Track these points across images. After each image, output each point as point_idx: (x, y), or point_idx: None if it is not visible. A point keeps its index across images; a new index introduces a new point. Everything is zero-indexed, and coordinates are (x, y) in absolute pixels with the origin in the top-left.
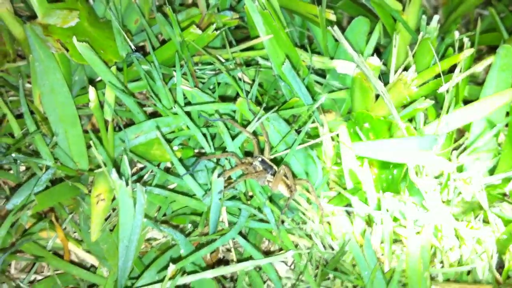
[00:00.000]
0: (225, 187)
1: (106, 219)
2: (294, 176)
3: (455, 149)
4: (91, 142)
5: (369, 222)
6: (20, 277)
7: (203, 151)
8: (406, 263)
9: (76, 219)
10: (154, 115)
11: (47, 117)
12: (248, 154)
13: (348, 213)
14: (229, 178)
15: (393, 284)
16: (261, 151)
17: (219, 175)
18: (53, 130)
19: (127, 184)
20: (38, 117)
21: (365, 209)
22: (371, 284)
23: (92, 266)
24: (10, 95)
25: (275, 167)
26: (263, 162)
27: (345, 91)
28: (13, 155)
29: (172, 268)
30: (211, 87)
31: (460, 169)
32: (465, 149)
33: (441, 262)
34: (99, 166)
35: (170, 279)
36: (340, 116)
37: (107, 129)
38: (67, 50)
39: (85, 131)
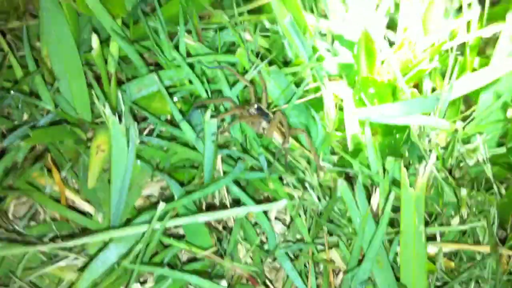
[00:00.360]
0: (219, 132)
1: (105, 171)
2: (290, 126)
3: (463, 120)
4: (94, 94)
5: (370, 188)
6: (17, 222)
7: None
8: (401, 216)
9: (76, 171)
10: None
11: (53, 68)
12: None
13: (349, 180)
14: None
15: (382, 227)
16: (259, 100)
17: (211, 117)
18: (57, 80)
19: (120, 121)
20: (45, 70)
21: (366, 172)
22: (363, 231)
23: (89, 214)
24: (19, 51)
25: (271, 114)
26: (259, 109)
27: (350, 56)
28: (12, 92)
29: (162, 206)
30: (216, 46)
31: (466, 141)
32: (472, 120)
33: (441, 225)
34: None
35: (159, 220)
36: (347, 84)
37: (110, 82)
38: (74, 1)
39: (89, 85)
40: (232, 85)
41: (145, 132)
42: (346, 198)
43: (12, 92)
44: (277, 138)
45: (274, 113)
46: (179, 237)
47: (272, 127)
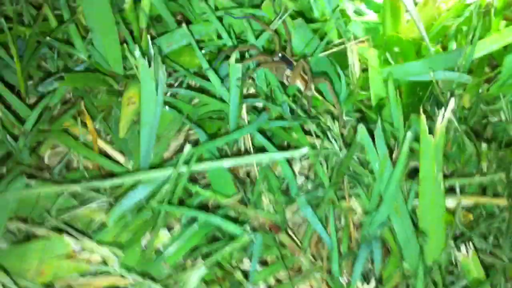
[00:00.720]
0: (244, 80)
1: (135, 123)
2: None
3: (486, 81)
4: (124, 45)
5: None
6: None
7: None
8: (419, 164)
9: (108, 123)
10: None
11: (87, 22)
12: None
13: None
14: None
15: (398, 169)
16: (283, 50)
17: (235, 61)
18: (91, 35)
19: (149, 66)
20: (79, 25)
21: (389, 128)
22: (381, 176)
23: (119, 163)
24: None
25: (294, 62)
26: (283, 57)
27: (375, 15)
28: (48, 38)
29: (187, 148)
30: (244, 3)
31: (490, 103)
32: (496, 81)
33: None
34: (133, 75)
35: (185, 163)
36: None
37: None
38: None
39: (122, 42)
40: (257, 36)
41: (175, 85)
42: (365, 142)
43: (48, 38)
44: (300, 85)
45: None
46: (205, 186)
47: (295, 74)
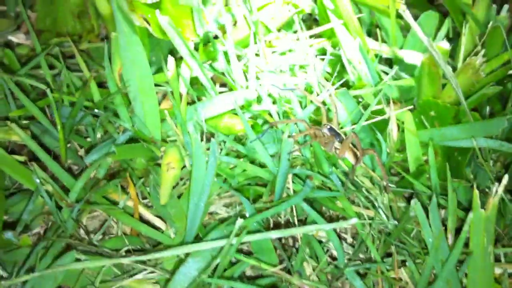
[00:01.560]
0: (293, 151)
1: (174, 187)
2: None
3: None
4: (165, 112)
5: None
6: (90, 236)
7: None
8: (470, 236)
9: (146, 187)
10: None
11: (126, 88)
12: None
13: (408, 201)
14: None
15: (457, 249)
16: (329, 121)
17: (288, 137)
18: (131, 100)
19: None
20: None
21: (428, 193)
22: (435, 251)
23: (159, 229)
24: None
25: (342, 135)
26: (331, 129)
27: (411, 79)
28: (96, 110)
29: (239, 222)
30: (280, 68)
31: None
32: None
33: (503, 246)
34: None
35: (236, 235)
36: (406, 107)
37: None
38: (149, 24)
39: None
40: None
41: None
42: (420, 217)
43: (96, 110)
44: (349, 158)
45: (344, 133)
46: (246, 253)
47: (344, 147)
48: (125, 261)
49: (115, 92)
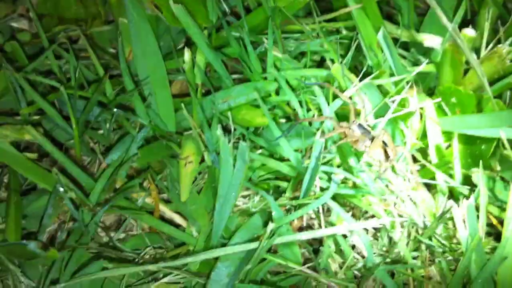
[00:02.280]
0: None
1: (192, 182)
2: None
3: None
4: (181, 105)
5: (451, 198)
6: (109, 234)
7: (284, 121)
8: (504, 235)
9: (163, 181)
10: (238, 83)
11: (138, 79)
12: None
13: (429, 189)
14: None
15: (497, 256)
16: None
17: (320, 137)
18: (145, 92)
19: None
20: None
21: (453, 184)
22: (471, 253)
23: (180, 226)
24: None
25: (372, 132)
26: (360, 126)
27: (432, 65)
28: (115, 109)
29: (271, 226)
30: (297, 56)
31: None
32: None
33: None
34: (185, 130)
35: (267, 238)
36: (423, 91)
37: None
38: (161, 12)
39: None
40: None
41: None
42: (456, 218)
43: (114, 110)
44: (380, 156)
45: (371, 127)
46: (271, 251)
47: (375, 145)
48: (153, 268)
49: (133, 90)
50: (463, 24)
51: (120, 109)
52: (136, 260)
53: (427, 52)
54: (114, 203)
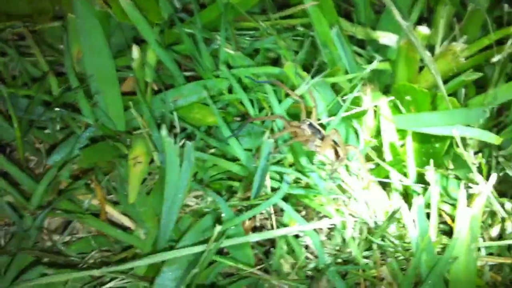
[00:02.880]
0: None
1: (142, 183)
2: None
3: (494, 126)
4: (130, 103)
5: (405, 196)
6: (53, 237)
7: (238, 120)
8: (455, 234)
9: (111, 182)
10: (191, 80)
11: (86, 77)
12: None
13: (383, 188)
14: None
15: (446, 255)
16: (308, 116)
17: (268, 137)
18: (92, 90)
19: (175, 143)
20: (74, 74)
21: (406, 182)
22: (421, 253)
23: (128, 228)
24: (45, 55)
25: (323, 131)
26: (311, 126)
27: (387, 62)
28: (57, 108)
29: (218, 228)
30: (251, 53)
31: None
32: (505, 126)
33: (482, 236)
34: (135, 129)
35: (214, 240)
36: (378, 89)
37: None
38: (110, 8)
39: (121, 94)
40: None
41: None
42: (405, 218)
43: (57, 109)
44: (330, 156)
45: (322, 126)
46: (222, 253)
47: (326, 144)
48: (97, 272)
49: (77, 88)
50: (420, 22)
51: (67, 108)
52: (81, 264)
53: (383, 49)
54: (58, 206)
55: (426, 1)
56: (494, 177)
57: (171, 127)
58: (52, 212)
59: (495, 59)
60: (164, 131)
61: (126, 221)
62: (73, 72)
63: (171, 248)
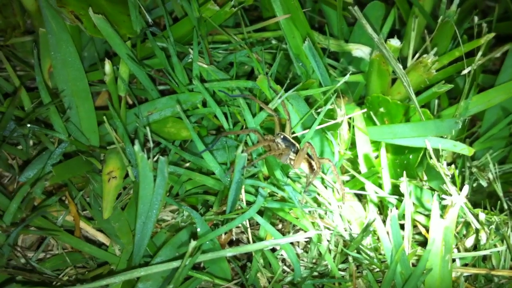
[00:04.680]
0: (246, 166)
1: (117, 198)
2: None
3: (467, 137)
4: (104, 118)
5: (381, 208)
6: (27, 254)
7: (214, 132)
8: (429, 245)
9: (86, 197)
10: (165, 94)
11: (58, 91)
12: (265, 134)
13: (359, 199)
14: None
15: (420, 267)
16: (282, 129)
17: (242, 151)
18: (65, 104)
19: (148, 158)
20: (46, 90)
21: (381, 194)
22: (395, 265)
23: (103, 244)
24: (17, 70)
25: (297, 144)
26: (285, 139)
27: (360, 75)
28: (29, 125)
29: (193, 244)
30: (225, 67)
31: (472, 158)
32: (477, 137)
33: (457, 247)
34: (109, 143)
35: (189, 256)
36: (353, 100)
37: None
38: (81, 23)
39: (96, 108)
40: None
41: (156, 156)
42: (379, 231)
43: (29, 125)
44: (304, 169)
45: (297, 139)
46: (199, 268)
47: (300, 158)
48: None
49: (48, 104)
50: (392, 34)
51: (40, 123)
52: (55, 282)
53: (356, 61)
54: (32, 223)
55: (397, 14)
56: (466, 188)
57: (145, 141)
58: (26, 229)
59: (465, 71)
60: (137, 147)
61: (101, 237)
62: (44, 88)
63: (146, 264)
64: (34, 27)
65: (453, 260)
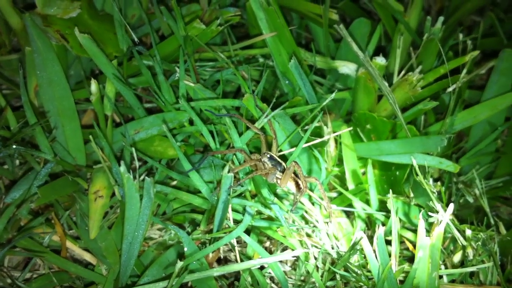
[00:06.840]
0: (233, 186)
1: (104, 217)
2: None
3: (454, 152)
4: (90, 137)
5: (369, 224)
6: (14, 274)
7: (201, 150)
8: (415, 262)
9: (72, 216)
10: (152, 112)
11: (44, 110)
12: (252, 152)
13: (347, 215)
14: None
15: (407, 285)
16: (269, 148)
17: (228, 171)
18: (51, 124)
19: (134, 178)
20: (31, 110)
21: (368, 210)
22: (382, 283)
23: (90, 264)
24: (2, 88)
25: (284, 163)
26: (271, 158)
27: (347, 91)
28: (14, 146)
29: (179, 265)
30: (212, 85)
31: (459, 174)
32: (464, 153)
33: (444, 263)
34: (96, 162)
35: (176, 276)
36: (340, 117)
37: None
38: (67, 42)
39: (82, 126)
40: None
41: (142, 176)
42: (366, 250)
43: (14, 146)
44: (291, 188)
45: (284, 159)
46: (185, 286)
47: (286, 178)
48: None
49: (34, 125)
50: (378, 50)
51: (25, 143)
52: None
53: (343, 78)
54: (18, 243)
55: (383, 30)
56: (451, 207)
57: (132, 160)
58: (12, 250)
59: (450, 89)
60: (123, 168)
61: (87, 257)
62: (30, 108)
63: (133, 284)
64: (20, 46)
65: (440, 277)
